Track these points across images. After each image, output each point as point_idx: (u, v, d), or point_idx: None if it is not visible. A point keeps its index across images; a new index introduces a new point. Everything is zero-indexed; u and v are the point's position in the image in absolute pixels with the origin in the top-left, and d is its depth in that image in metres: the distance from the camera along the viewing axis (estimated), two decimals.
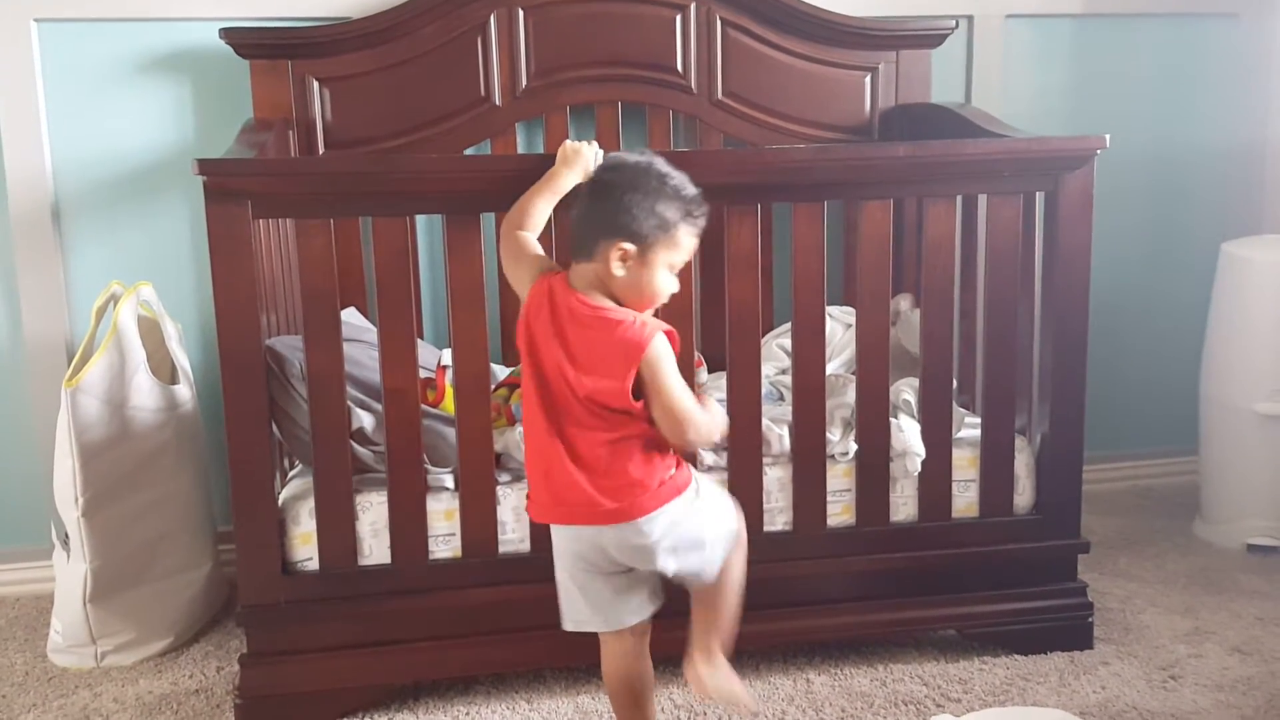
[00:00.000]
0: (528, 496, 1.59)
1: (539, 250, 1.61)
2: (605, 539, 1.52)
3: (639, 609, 1.59)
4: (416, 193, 1.80)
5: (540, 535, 1.87)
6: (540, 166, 1.68)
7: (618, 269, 1.49)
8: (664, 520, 1.50)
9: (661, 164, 1.53)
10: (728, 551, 1.57)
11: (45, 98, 2.30)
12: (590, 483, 1.49)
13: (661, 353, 1.47)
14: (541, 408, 1.51)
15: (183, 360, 2.19)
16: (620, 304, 1.51)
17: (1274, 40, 2.77)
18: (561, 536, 1.57)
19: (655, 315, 1.56)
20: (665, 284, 1.53)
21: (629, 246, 1.48)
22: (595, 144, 1.69)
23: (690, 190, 1.53)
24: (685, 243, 1.52)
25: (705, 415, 1.51)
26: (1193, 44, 2.76)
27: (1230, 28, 2.76)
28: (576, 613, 1.60)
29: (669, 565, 1.53)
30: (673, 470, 1.53)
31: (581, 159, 1.66)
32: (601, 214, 1.51)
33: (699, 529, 1.54)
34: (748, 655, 1.98)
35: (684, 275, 1.82)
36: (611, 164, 1.57)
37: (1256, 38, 2.77)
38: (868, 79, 2.49)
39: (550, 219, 1.67)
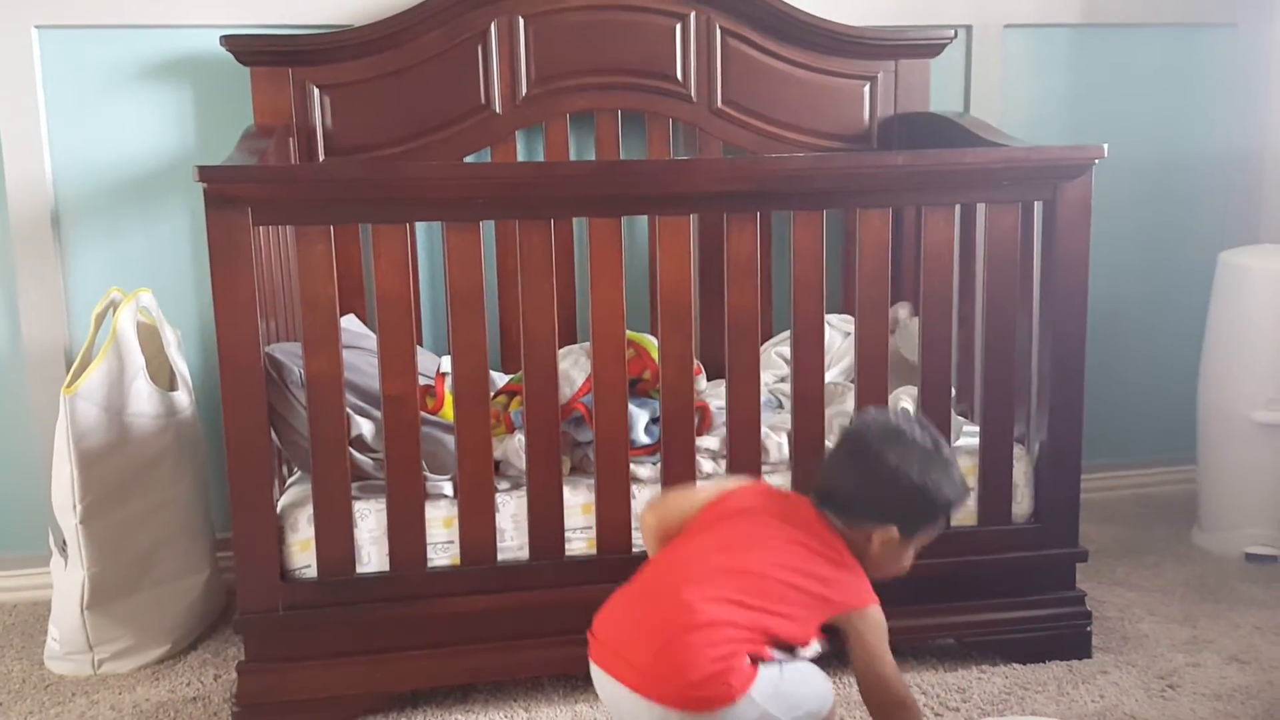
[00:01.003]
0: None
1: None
2: (625, 708, 1.41)
3: None
4: (416, 200, 1.80)
5: (539, 543, 1.87)
6: (540, 174, 1.68)
7: (877, 548, 1.48)
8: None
9: (944, 444, 1.50)
10: None
11: (46, 104, 2.30)
12: (669, 645, 1.36)
13: (880, 621, 1.46)
14: (707, 554, 1.46)
15: (182, 367, 2.19)
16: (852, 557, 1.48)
17: (1272, 49, 2.77)
18: (602, 682, 1.47)
19: None
20: (907, 564, 1.53)
21: (899, 534, 1.47)
22: None
23: (963, 478, 1.51)
24: (941, 529, 1.53)
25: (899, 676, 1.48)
26: (1191, 53, 2.77)
27: (1228, 37, 2.77)
28: None
29: None
30: (735, 670, 1.36)
31: None
32: (885, 497, 1.47)
33: None
34: None
35: (683, 281, 1.84)
36: (898, 443, 1.47)
37: (1254, 47, 2.78)
38: (867, 88, 2.50)
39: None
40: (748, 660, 1.37)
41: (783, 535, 1.48)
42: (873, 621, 1.47)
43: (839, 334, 2.32)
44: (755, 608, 1.40)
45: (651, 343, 1.97)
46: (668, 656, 1.35)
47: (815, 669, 1.47)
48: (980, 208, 2.01)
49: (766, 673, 1.38)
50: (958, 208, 1.97)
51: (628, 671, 1.39)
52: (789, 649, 1.43)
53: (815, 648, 1.46)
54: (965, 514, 1.98)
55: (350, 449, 1.83)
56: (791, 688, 1.40)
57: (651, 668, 1.36)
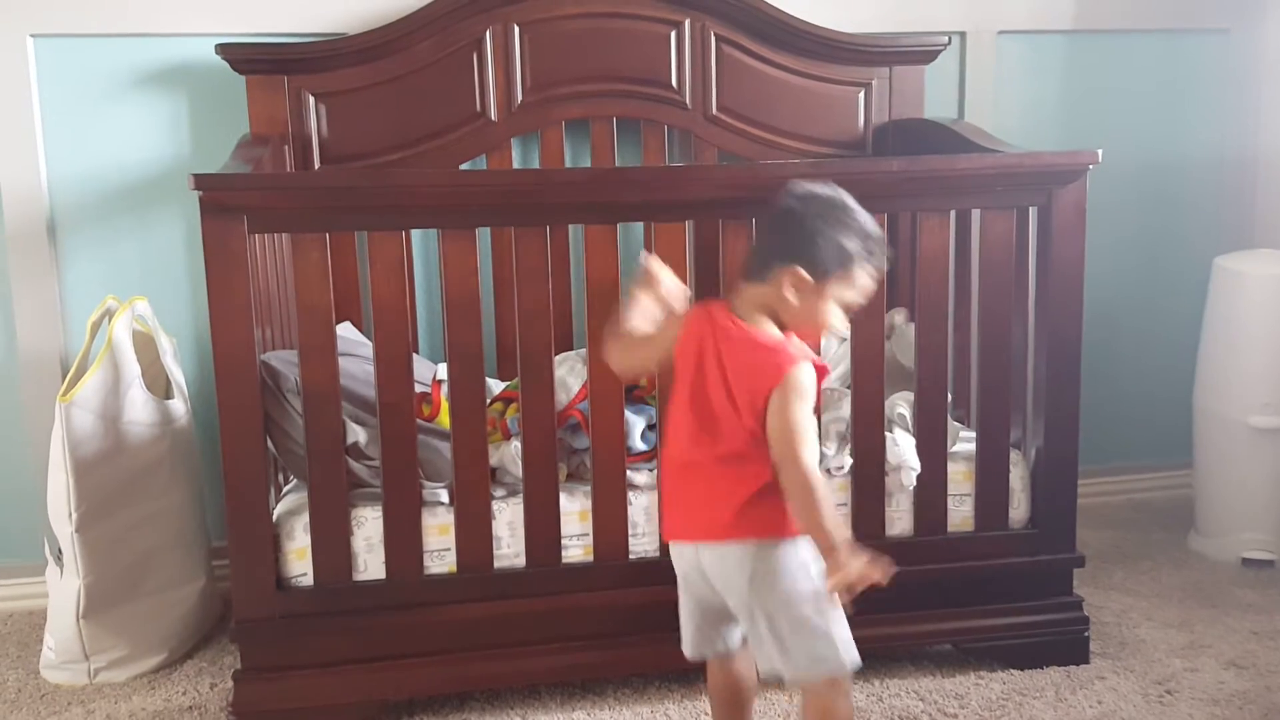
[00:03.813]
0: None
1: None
2: (703, 559, 1.49)
3: (725, 641, 1.57)
4: (412, 207, 1.80)
5: (536, 550, 1.87)
6: (536, 181, 1.68)
7: (790, 294, 1.46)
8: (762, 558, 1.45)
9: (849, 199, 1.51)
10: (813, 673, 1.47)
11: (41, 113, 2.30)
12: (706, 499, 1.47)
13: (799, 381, 1.43)
14: (690, 425, 1.49)
15: (177, 375, 2.19)
16: (783, 330, 1.49)
17: (1264, 54, 2.78)
18: (675, 554, 1.56)
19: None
20: (835, 318, 1.50)
21: (805, 273, 1.46)
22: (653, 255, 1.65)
23: (875, 230, 1.50)
24: (861, 281, 1.49)
25: (814, 459, 1.44)
26: (1184, 59, 2.78)
27: (1221, 42, 2.78)
28: (682, 630, 1.59)
29: (744, 619, 1.49)
30: (788, 521, 1.46)
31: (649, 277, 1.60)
32: (782, 239, 1.49)
33: (792, 603, 1.45)
34: None
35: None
36: (799, 192, 1.52)
37: (1247, 52, 2.79)
38: (861, 94, 2.51)
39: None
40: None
41: (718, 351, 1.48)
42: (790, 381, 1.43)
43: (835, 340, 2.32)
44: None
45: None
46: (744, 511, 1.46)
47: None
48: (975, 213, 2.01)
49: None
50: (953, 213, 1.97)
51: (703, 528, 1.48)
52: None
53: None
54: (963, 519, 1.99)
55: (346, 457, 1.82)
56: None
57: (731, 519, 1.46)
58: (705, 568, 1.50)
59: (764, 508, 1.45)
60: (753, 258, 1.53)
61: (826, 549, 1.41)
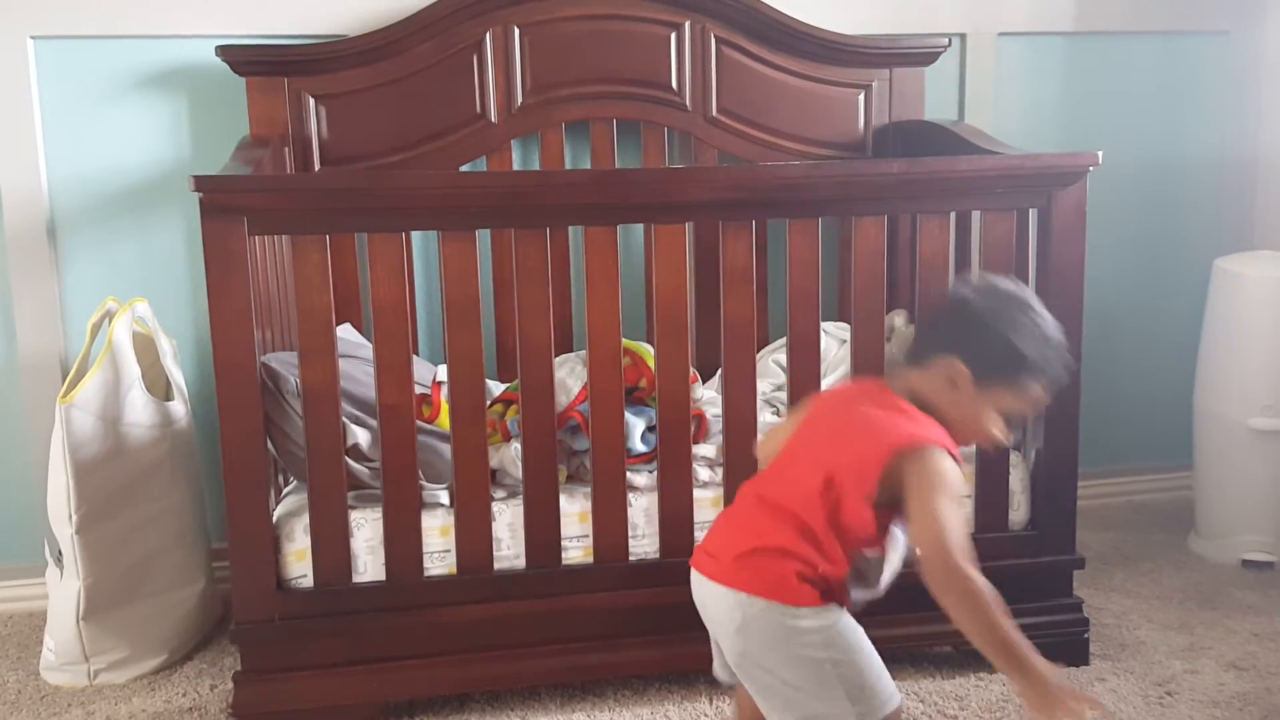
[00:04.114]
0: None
1: None
2: (702, 592, 1.43)
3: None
4: (412, 209, 1.80)
5: (536, 552, 1.87)
6: (537, 183, 1.68)
7: (947, 386, 1.37)
8: (754, 614, 1.34)
9: (1033, 299, 1.41)
10: None
11: (42, 114, 2.30)
12: (725, 534, 1.41)
13: (940, 466, 1.29)
14: (773, 465, 1.44)
15: (178, 377, 2.19)
16: (912, 406, 1.38)
17: (1264, 56, 2.78)
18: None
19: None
20: (994, 426, 1.39)
21: (966, 369, 1.36)
22: None
23: (1056, 337, 1.39)
24: (1030, 392, 1.39)
25: (971, 563, 1.28)
26: (1184, 61, 2.78)
27: (1221, 44, 2.78)
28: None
29: (735, 668, 1.40)
30: (811, 584, 1.34)
31: None
32: (950, 328, 1.40)
33: (791, 673, 1.34)
34: None
35: (679, 289, 1.84)
36: (978, 283, 1.44)
37: (1247, 54, 2.79)
38: (861, 96, 2.51)
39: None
40: (816, 590, 1.34)
41: (841, 414, 1.41)
42: (930, 463, 1.29)
43: (835, 341, 2.33)
44: (814, 530, 1.35)
45: (648, 351, 1.97)
46: (744, 559, 1.37)
47: (880, 663, 1.38)
48: (975, 215, 2.01)
49: (836, 612, 1.35)
50: (953, 215, 1.97)
51: (710, 564, 1.41)
52: (861, 559, 1.36)
53: (892, 560, 1.36)
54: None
55: (346, 458, 1.83)
56: (855, 640, 1.36)
57: (730, 563, 1.38)
58: (702, 600, 1.43)
59: (769, 565, 1.35)
60: (916, 341, 1.45)
61: (1018, 671, 1.22)
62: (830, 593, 1.37)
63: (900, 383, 1.42)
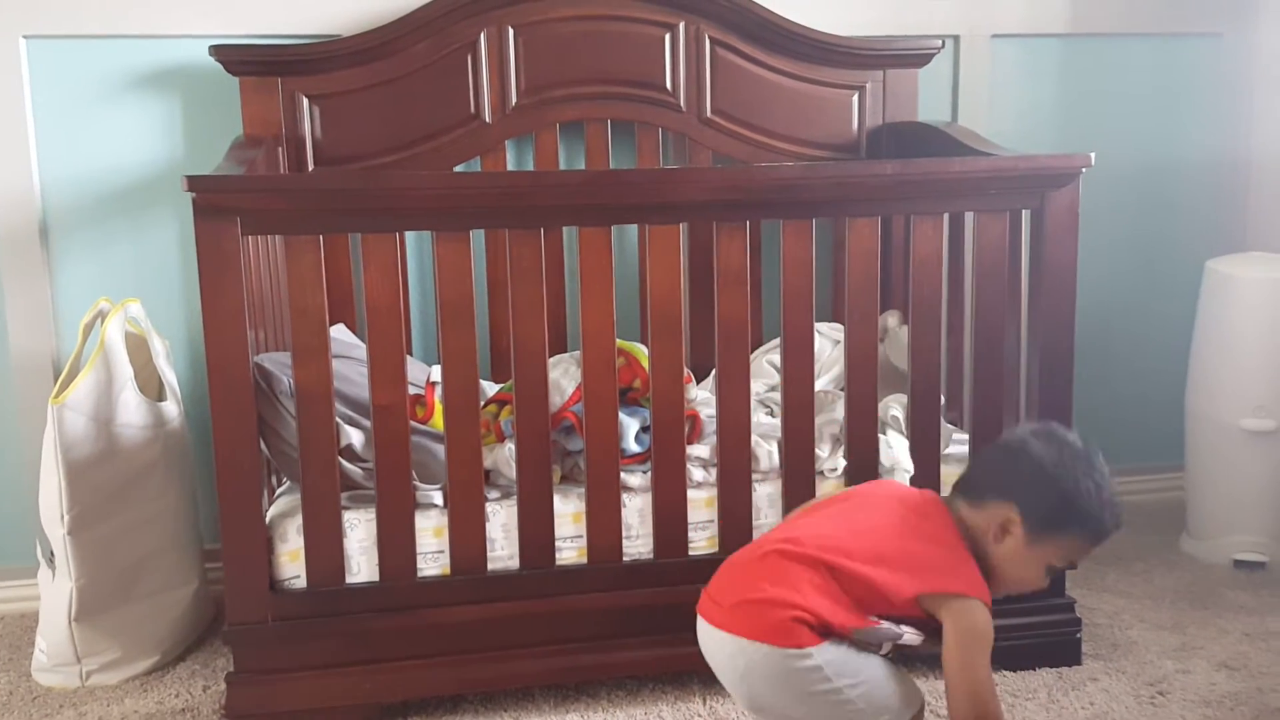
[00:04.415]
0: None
1: None
2: (702, 637, 1.45)
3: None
4: (406, 209, 1.80)
5: (530, 552, 1.87)
6: (531, 184, 1.68)
7: (998, 532, 1.39)
8: (756, 659, 1.37)
9: (1102, 463, 1.42)
10: None
11: (34, 114, 2.29)
12: (730, 579, 1.44)
13: (979, 622, 1.34)
14: (798, 519, 1.46)
15: (170, 377, 2.18)
16: (961, 543, 1.40)
17: (1256, 58, 2.79)
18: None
19: None
20: (1034, 577, 1.41)
21: (1020, 523, 1.37)
22: None
23: (1113, 498, 1.41)
24: (1079, 551, 1.43)
25: (996, 696, 1.34)
26: (1177, 63, 2.78)
27: (1214, 46, 2.79)
28: None
29: (747, 711, 1.43)
30: (810, 629, 1.37)
31: None
32: (1015, 474, 1.40)
33: (800, 704, 1.37)
34: None
35: (673, 290, 1.84)
36: (1044, 433, 1.44)
37: (1240, 56, 2.80)
38: (855, 97, 2.51)
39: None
40: (815, 632, 1.37)
41: (884, 509, 1.42)
42: (968, 617, 1.34)
43: (829, 342, 2.33)
44: (834, 590, 1.38)
45: (642, 351, 1.97)
46: (747, 604, 1.40)
47: (892, 668, 1.42)
48: (969, 216, 2.02)
49: (836, 645, 1.37)
50: (946, 216, 1.98)
51: (714, 611, 1.43)
52: (871, 639, 1.39)
53: (905, 636, 1.39)
54: None
55: (340, 459, 1.82)
56: (860, 660, 1.38)
57: (729, 610, 1.41)
58: (708, 648, 1.44)
59: (768, 610, 1.37)
60: (974, 477, 1.46)
61: None
62: (829, 633, 1.38)
63: (955, 512, 1.43)
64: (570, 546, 1.89)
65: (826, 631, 1.38)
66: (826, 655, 1.36)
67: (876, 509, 1.47)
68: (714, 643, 1.43)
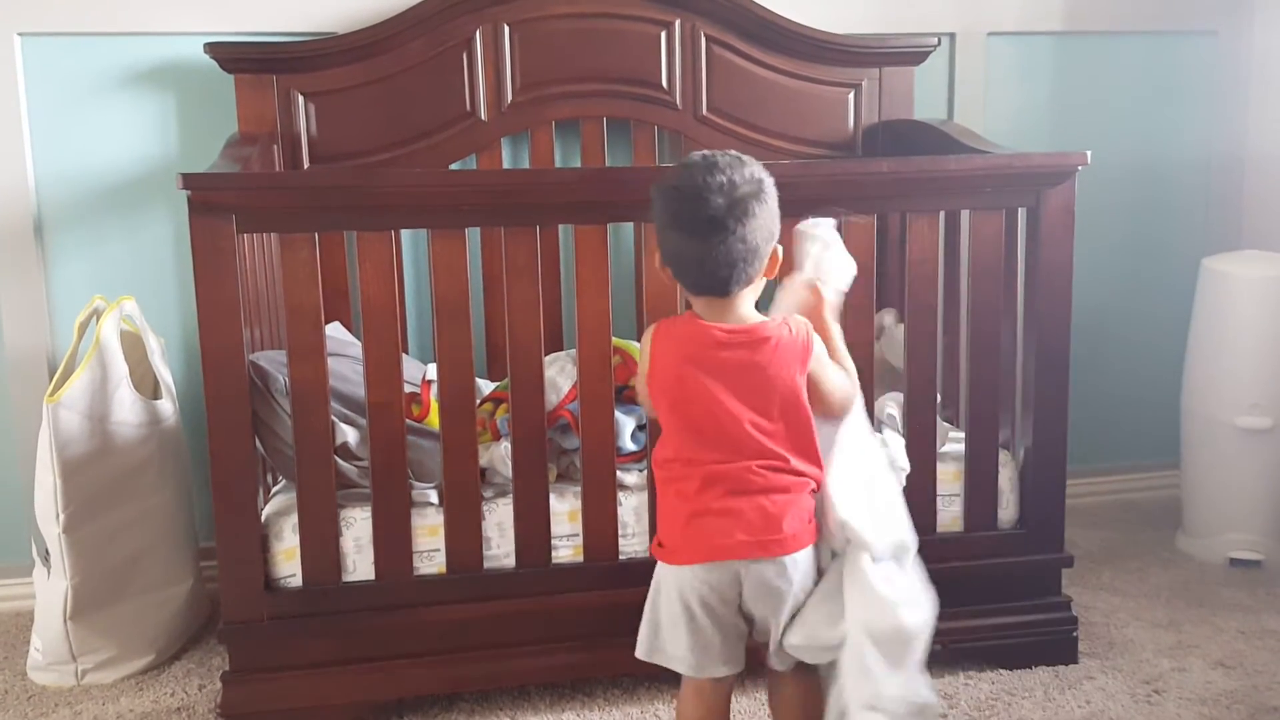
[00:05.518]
0: (658, 543, 1.52)
1: None
2: (748, 574, 1.47)
3: (731, 663, 1.52)
4: (401, 207, 1.80)
5: (526, 551, 1.87)
6: (527, 181, 1.68)
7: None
8: (805, 562, 1.50)
9: (722, 162, 1.56)
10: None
11: (29, 112, 2.29)
12: (752, 513, 1.46)
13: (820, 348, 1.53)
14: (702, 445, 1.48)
15: (165, 375, 2.18)
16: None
17: (1252, 56, 2.79)
18: (693, 570, 1.48)
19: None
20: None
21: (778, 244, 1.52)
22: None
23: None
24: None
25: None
26: (1172, 61, 2.79)
27: (1209, 45, 2.79)
28: (670, 645, 1.51)
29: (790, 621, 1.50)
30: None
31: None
32: (761, 223, 1.51)
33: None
34: None
35: (669, 288, 1.83)
36: (706, 163, 1.54)
37: (1235, 54, 2.80)
38: (851, 95, 2.51)
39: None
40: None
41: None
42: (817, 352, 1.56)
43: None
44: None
45: (638, 349, 1.97)
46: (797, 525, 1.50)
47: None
48: (964, 214, 2.01)
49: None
50: (942, 214, 1.97)
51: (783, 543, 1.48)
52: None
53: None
54: (951, 520, 1.99)
55: (335, 457, 1.82)
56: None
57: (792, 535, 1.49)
58: (769, 579, 1.47)
59: (808, 520, 1.52)
60: (726, 264, 1.54)
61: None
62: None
63: (715, 311, 1.55)
64: (566, 545, 1.89)
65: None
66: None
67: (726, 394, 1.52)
68: (794, 567, 1.48)
